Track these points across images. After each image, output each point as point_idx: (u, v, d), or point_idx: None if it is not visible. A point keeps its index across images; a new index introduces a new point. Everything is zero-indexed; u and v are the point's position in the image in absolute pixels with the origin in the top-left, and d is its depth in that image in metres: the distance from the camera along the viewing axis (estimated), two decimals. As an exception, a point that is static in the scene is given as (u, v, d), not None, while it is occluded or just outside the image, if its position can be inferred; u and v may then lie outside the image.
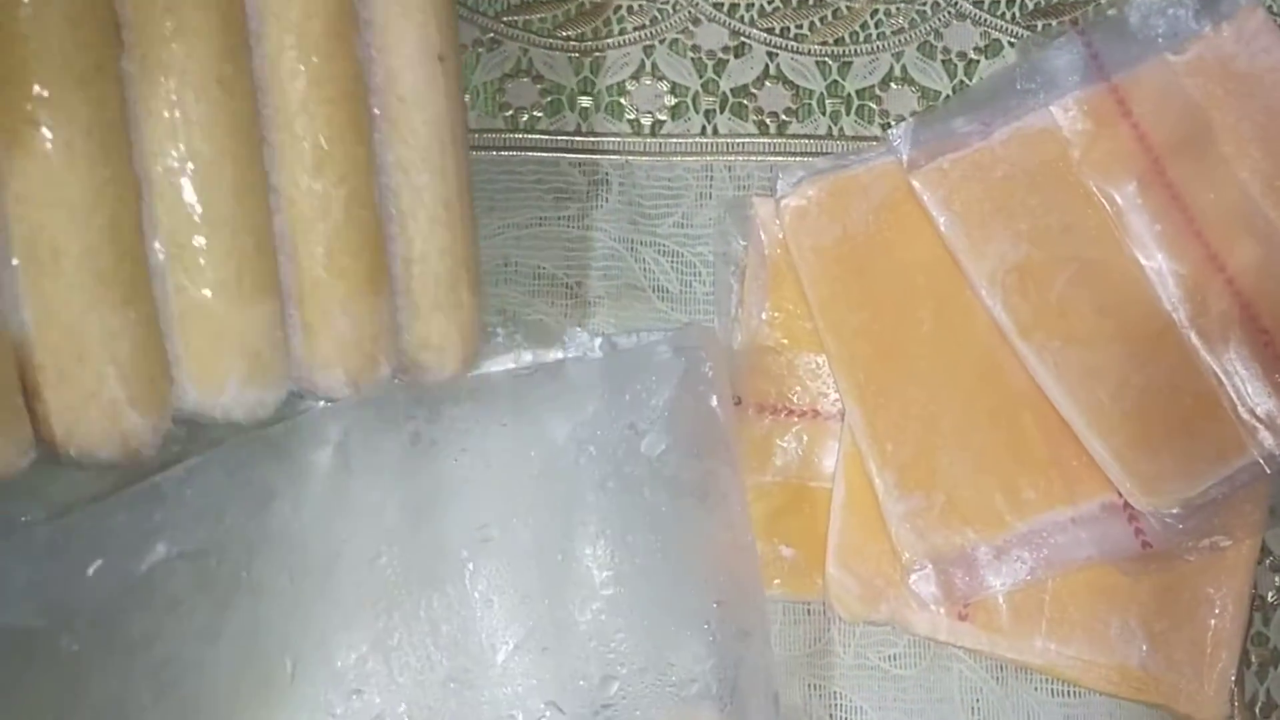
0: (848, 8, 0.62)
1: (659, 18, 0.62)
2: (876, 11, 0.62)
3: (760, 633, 0.51)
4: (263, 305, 0.46)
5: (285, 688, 0.46)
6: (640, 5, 0.62)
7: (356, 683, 0.47)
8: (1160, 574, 0.54)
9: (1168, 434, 0.53)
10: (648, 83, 0.62)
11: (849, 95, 0.61)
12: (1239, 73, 0.56)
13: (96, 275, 0.43)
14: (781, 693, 0.55)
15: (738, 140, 0.61)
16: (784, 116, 0.61)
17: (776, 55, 0.62)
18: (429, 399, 0.51)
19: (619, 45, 0.62)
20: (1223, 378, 0.54)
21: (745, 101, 0.61)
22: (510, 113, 0.61)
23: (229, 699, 0.46)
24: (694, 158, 0.61)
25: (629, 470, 0.50)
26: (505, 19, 0.62)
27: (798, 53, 0.62)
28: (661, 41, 0.62)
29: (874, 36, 0.62)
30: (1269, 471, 0.53)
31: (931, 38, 0.62)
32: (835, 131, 0.61)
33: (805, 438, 0.57)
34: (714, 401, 0.52)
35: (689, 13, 0.62)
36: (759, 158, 0.61)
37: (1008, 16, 0.62)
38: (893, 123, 0.61)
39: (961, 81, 0.62)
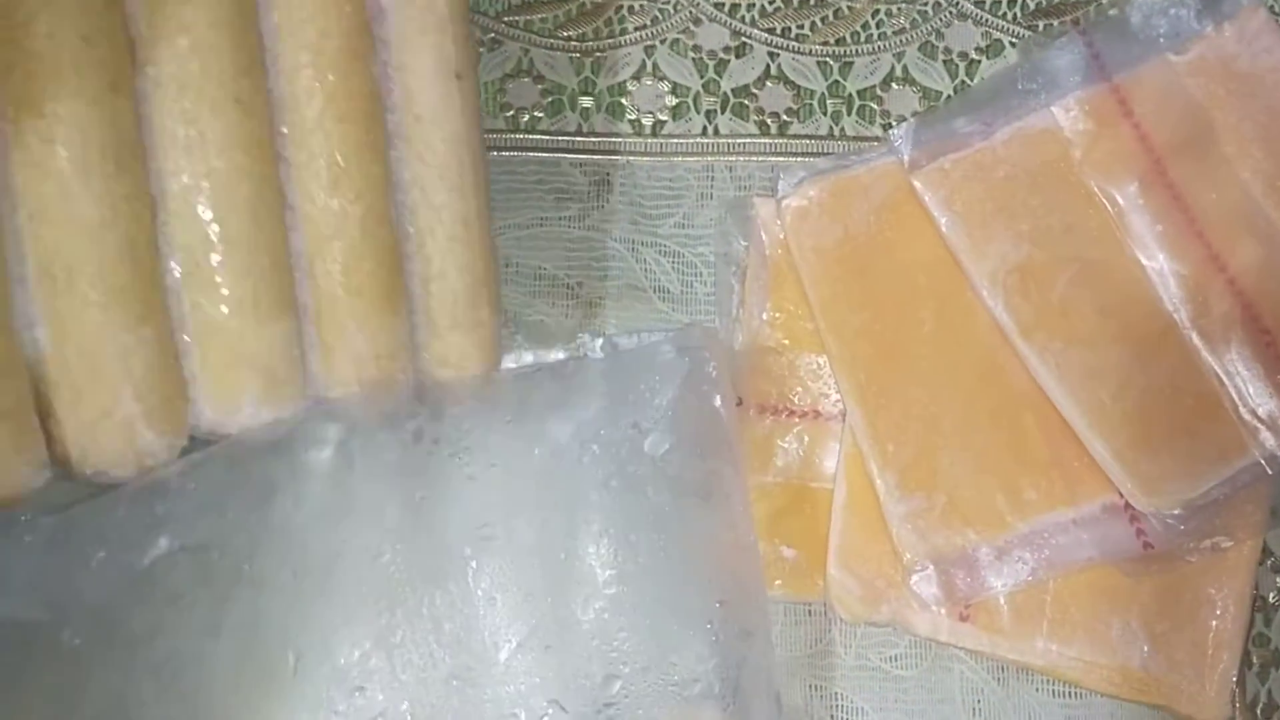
0: (849, 8, 0.62)
1: (660, 18, 0.62)
2: (878, 12, 0.62)
3: (762, 633, 0.51)
4: (279, 323, 0.47)
5: (287, 683, 0.46)
6: (641, 5, 0.62)
7: (359, 680, 0.46)
8: (1161, 575, 0.54)
9: (1169, 435, 0.53)
10: (649, 83, 0.62)
11: (850, 95, 0.62)
12: (1241, 73, 0.56)
13: (111, 293, 0.43)
14: (783, 693, 0.54)
15: (739, 140, 0.61)
16: (785, 117, 0.61)
17: (778, 55, 0.62)
18: (431, 397, 0.51)
19: (620, 45, 0.62)
20: (1224, 378, 0.54)
21: (746, 102, 0.61)
22: (511, 113, 0.61)
23: (231, 693, 0.45)
24: (695, 158, 0.61)
25: (632, 470, 0.50)
26: (506, 19, 0.62)
27: (799, 53, 0.62)
28: (662, 42, 0.62)
29: (875, 37, 0.62)
30: (1270, 472, 0.53)
31: (933, 38, 0.62)
32: (836, 132, 0.61)
33: (806, 438, 0.57)
34: (717, 402, 0.52)
35: (690, 13, 0.62)
36: (760, 158, 0.61)
37: (1009, 16, 0.62)
38: (894, 123, 0.61)
39: (963, 82, 0.62)
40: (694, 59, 0.62)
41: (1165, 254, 0.55)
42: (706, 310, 0.60)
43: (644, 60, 0.62)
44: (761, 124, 0.61)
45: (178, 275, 0.45)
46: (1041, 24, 0.62)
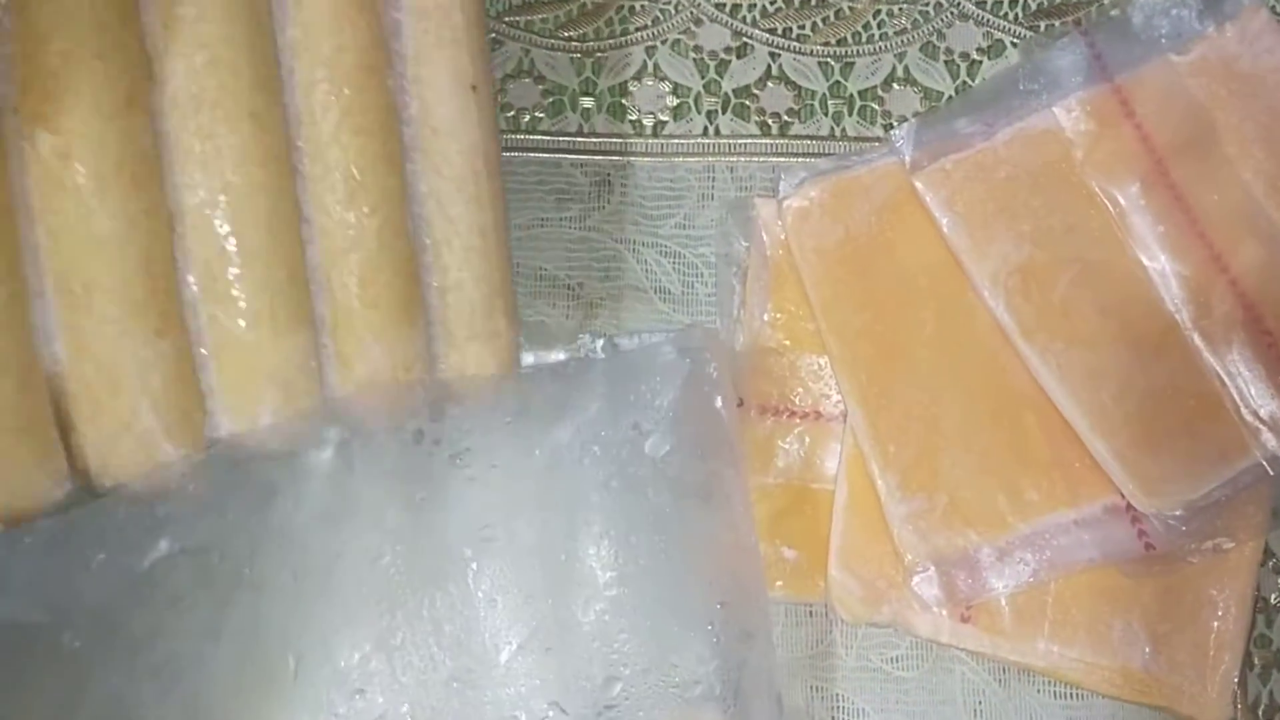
0: (850, 8, 0.62)
1: (661, 18, 0.62)
2: (879, 12, 0.62)
3: (763, 634, 0.51)
4: (296, 336, 0.47)
5: (288, 686, 0.46)
6: (642, 6, 0.62)
7: (359, 682, 0.46)
8: (1163, 576, 0.54)
9: (1170, 435, 0.53)
10: (650, 83, 0.62)
11: (851, 96, 0.61)
12: (1242, 73, 0.56)
13: (129, 308, 0.43)
14: (784, 695, 0.54)
15: (740, 141, 0.61)
16: (786, 117, 0.61)
17: (779, 56, 0.62)
18: (432, 398, 0.51)
19: (621, 46, 0.62)
20: (1226, 379, 0.53)
21: (747, 102, 0.61)
22: (512, 113, 0.61)
23: (231, 696, 0.45)
24: (696, 158, 0.61)
25: (633, 471, 0.50)
26: (507, 19, 0.62)
27: (800, 53, 0.62)
28: (663, 42, 0.62)
29: (876, 37, 0.62)
30: (1272, 473, 0.53)
31: (934, 38, 0.62)
32: (837, 132, 0.61)
33: (807, 439, 0.57)
34: (718, 403, 0.52)
35: (691, 13, 0.62)
36: (761, 158, 0.61)
37: (1010, 17, 0.62)
38: (895, 123, 0.61)
39: (964, 82, 0.62)
40: (695, 59, 0.62)
41: (1167, 255, 0.55)
42: (707, 311, 0.60)
43: (645, 61, 0.62)
44: (763, 124, 0.61)
45: (195, 289, 0.46)
46: (1043, 24, 0.62)
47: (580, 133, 0.61)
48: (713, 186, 0.61)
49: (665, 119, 0.61)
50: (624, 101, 0.62)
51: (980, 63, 0.62)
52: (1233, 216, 0.55)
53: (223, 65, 0.45)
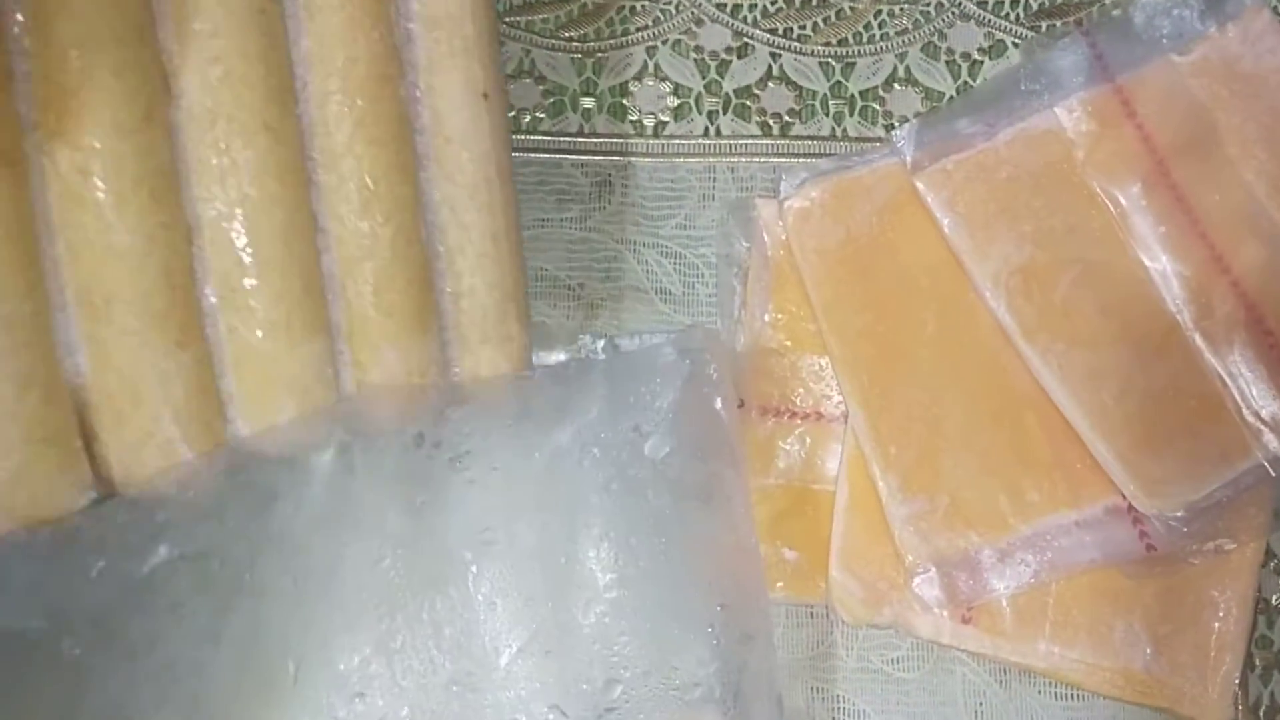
0: (851, 8, 0.62)
1: (662, 18, 0.62)
2: (880, 12, 0.62)
3: (764, 636, 0.51)
4: (312, 344, 0.47)
5: (288, 690, 0.46)
6: (643, 6, 0.62)
7: (359, 686, 0.47)
8: (1164, 577, 0.54)
9: (1172, 436, 0.53)
10: (650, 84, 0.62)
11: (852, 96, 0.61)
12: (1244, 74, 0.56)
13: (150, 320, 0.44)
14: (785, 696, 0.54)
15: (741, 141, 0.61)
16: (787, 117, 0.61)
17: (780, 56, 0.62)
18: (432, 402, 0.51)
19: (622, 46, 0.62)
20: (1227, 380, 0.53)
21: (748, 102, 0.61)
22: (513, 114, 0.61)
23: (231, 701, 0.46)
24: (697, 159, 0.61)
25: (633, 473, 0.50)
26: (507, 20, 0.61)
27: (801, 53, 0.62)
28: (664, 42, 0.62)
29: (877, 37, 0.62)
30: (1274, 474, 0.53)
31: (935, 38, 0.62)
32: (839, 133, 0.61)
33: (808, 440, 0.57)
34: (718, 404, 0.52)
35: (692, 13, 0.62)
36: (762, 159, 0.61)
37: (1012, 17, 0.62)
38: (896, 124, 0.61)
39: (965, 82, 0.61)
40: (696, 60, 0.62)
41: (1168, 255, 0.55)
42: (708, 312, 0.60)
43: (646, 61, 0.62)
44: (764, 125, 0.61)
45: (214, 300, 0.46)
46: (1044, 24, 0.62)
47: (581, 133, 0.61)
48: (714, 187, 0.61)
49: (666, 119, 0.61)
50: (625, 102, 0.61)
51: (981, 63, 0.61)
52: (1234, 217, 0.55)
53: (237, 79, 0.45)
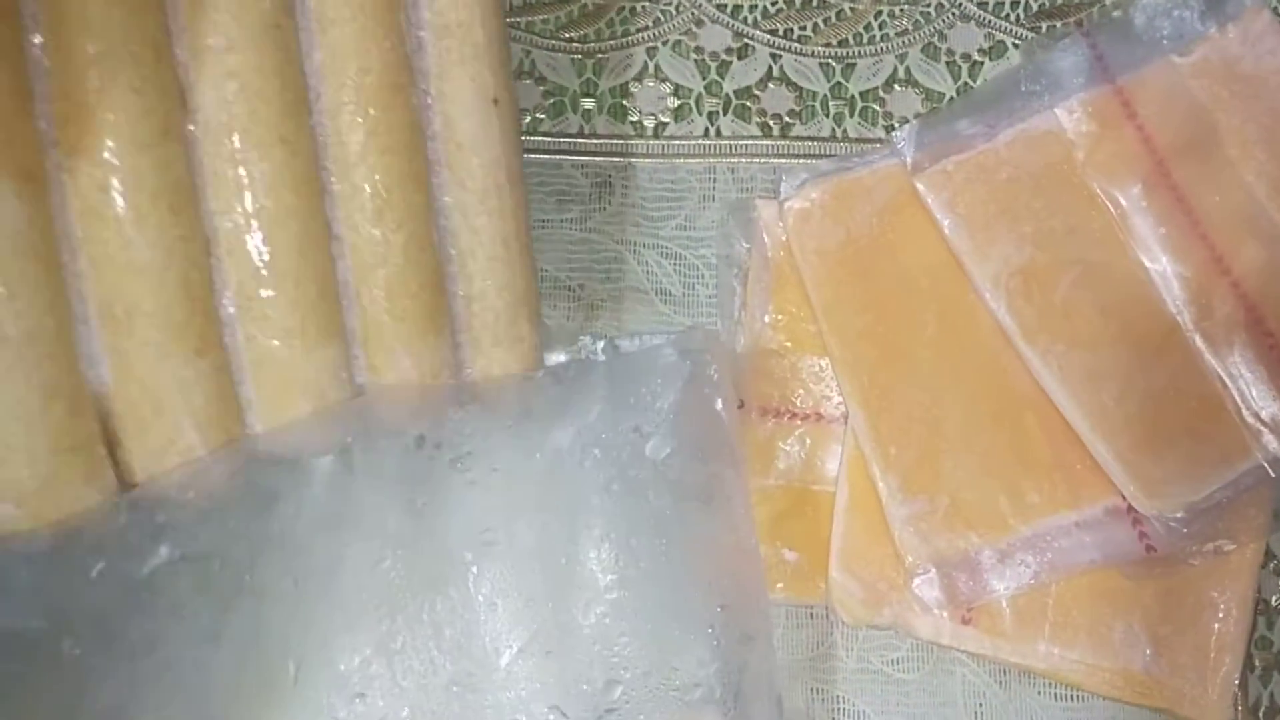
0: (851, 9, 0.62)
1: (662, 19, 0.62)
2: (880, 13, 0.62)
3: (764, 637, 0.51)
4: (327, 349, 0.48)
5: (288, 691, 0.46)
6: (644, 7, 0.62)
7: (360, 686, 0.47)
8: (1164, 578, 0.54)
9: (1172, 437, 0.53)
10: (651, 84, 0.62)
11: (853, 97, 0.61)
12: (1244, 74, 0.56)
13: (170, 331, 0.45)
14: (784, 697, 0.54)
15: (741, 142, 0.61)
16: (787, 118, 0.61)
17: (780, 57, 0.62)
18: (432, 403, 0.51)
19: (622, 47, 0.62)
20: (1227, 381, 0.53)
21: (748, 103, 0.61)
22: (514, 114, 0.61)
23: (231, 702, 0.46)
24: (697, 160, 0.61)
25: (633, 473, 0.50)
26: (508, 20, 0.61)
27: (801, 54, 0.62)
28: (664, 43, 0.62)
29: (878, 38, 0.62)
30: (1273, 475, 0.53)
31: (935, 39, 0.62)
32: (839, 133, 0.61)
33: (808, 441, 0.57)
34: (719, 405, 0.52)
35: (692, 14, 0.62)
36: (762, 160, 0.61)
37: (1012, 18, 0.62)
38: (896, 125, 0.61)
39: (966, 83, 0.61)
40: (696, 60, 0.62)
41: (1168, 256, 0.55)
42: (708, 313, 0.60)
43: (646, 62, 0.62)
44: (764, 125, 0.61)
45: (232, 310, 0.47)
46: (1045, 25, 0.62)
47: (581, 134, 0.61)
48: (714, 188, 0.61)
49: (666, 120, 0.61)
50: (625, 103, 0.61)
51: (982, 64, 0.61)
52: (1234, 218, 0.55)
53: (252, 93, 0.46)
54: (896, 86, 0.61)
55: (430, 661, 0.47)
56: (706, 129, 0.61)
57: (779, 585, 0.56)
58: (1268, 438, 0.53)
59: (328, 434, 0.48)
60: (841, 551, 0.55)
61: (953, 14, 0.62)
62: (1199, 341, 0.54)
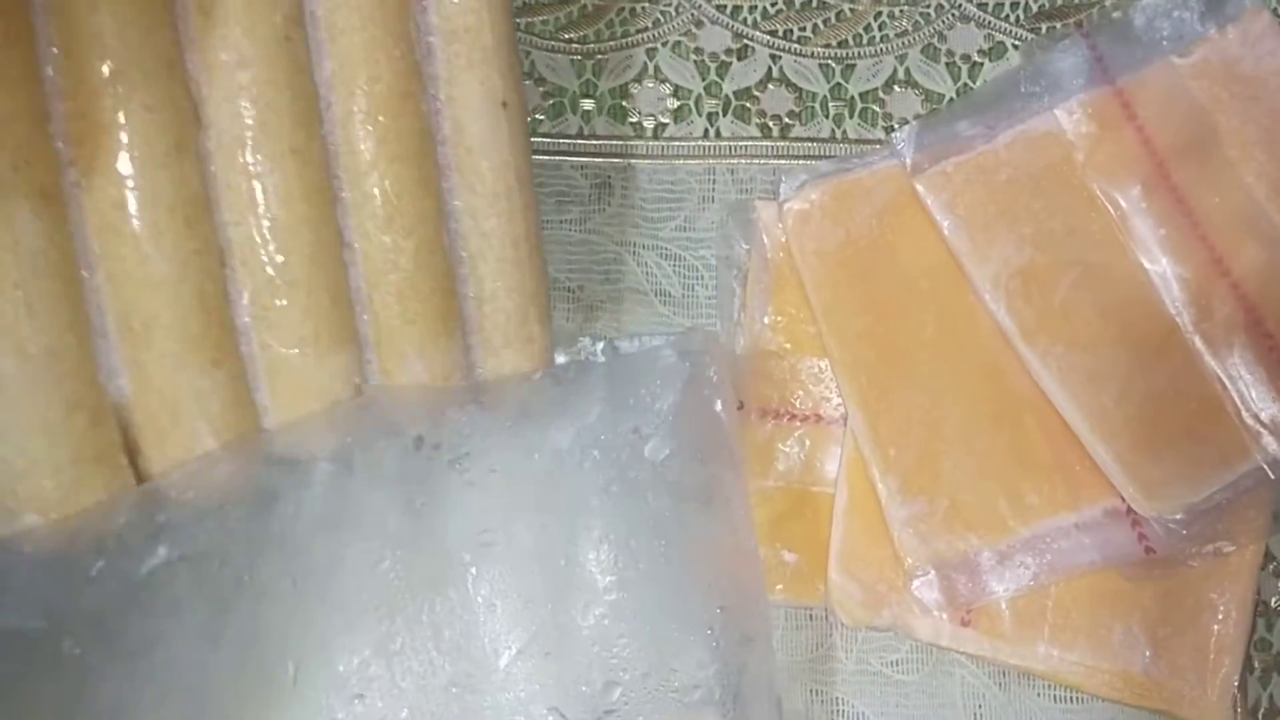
0: (851, 10, 0.62)
1: (661, 20, 0.62)
2: (880, 14, 0.62)
3: (763, 638, 0.51)
4: (340, 356, 0.49)
5: (287, 691, 0.46)
6: (643, 8, 0.62)
7: (358, 687, 0.47)
8: (1163, 579, 0.54)
9: (1171, 439, 0.53)
10: (650, 85, 0.62)
11: (852, 98, 0.61)
12: (1244, 75, 0.56)
13: (187, 343, 0.46)
14: (784, 698, 0.54)
15: (740, 143, 0.61)
16: (787, 119, 0.61)
17: (779, 58, 0.62)
18: (431, 404, 0.51)
19: (621, 48, 0.62)
20: (1227, 382, 0.53)
21: (748, 104, 0.61)
22: (515, 116, 0.61)
23: (230, 703, 0.46)
24: (696, 161, 0.61)
25: (632, 475, 0.50)
26: (508, 21, 0.61)
27: (801, 55, 0.62)
28: (664, 44, 0.62)
29: (877, 39, 0.62)
30: (1273, 476, 0.53)
31: (935, 40, 0.62)
32: (838, 134, 0.61)
33: (808, 442, 0.57)
34: (718, 406, 0.52)
35: (692, 15, 0.62)
36: (762, 161, 0.61)
37: (1012, 19, 0.62)
38: (896, 126, 0.61)
39: (965, 84, 0.61)
40: (696, 61, 0.62)
41: (1168, 257, 0.55)
42: (708, 314, 0.60)
43: (646, 63, 0.62)
44: (763, 126, 0.61)
45: (247, 319, 0.48)
46: (1044, 26, 0.62)
47: (581, 135, 0.61)
48: (713, 189, 0.61)
49: (666, 121, 0.61)
50: (624, 104, 0.61)
51: (981, 65, 0.61)
52: (1234, 219, 0.55)
53: (264, 106, 0.46)
54: (896, 87, 0.61)
55: (429, 662, 0.47)
56: (706, 130, 0.61)
57: (778, 587, 0.56)
58: (1267, 439, 0.53)
59: (328, 435, 0.48)
60: (841, 553, 0.55)
61: (952, 15, 0.62)
62: (1199, 343, 0.54)
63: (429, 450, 0.50)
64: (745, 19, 0.62)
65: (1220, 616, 0.54)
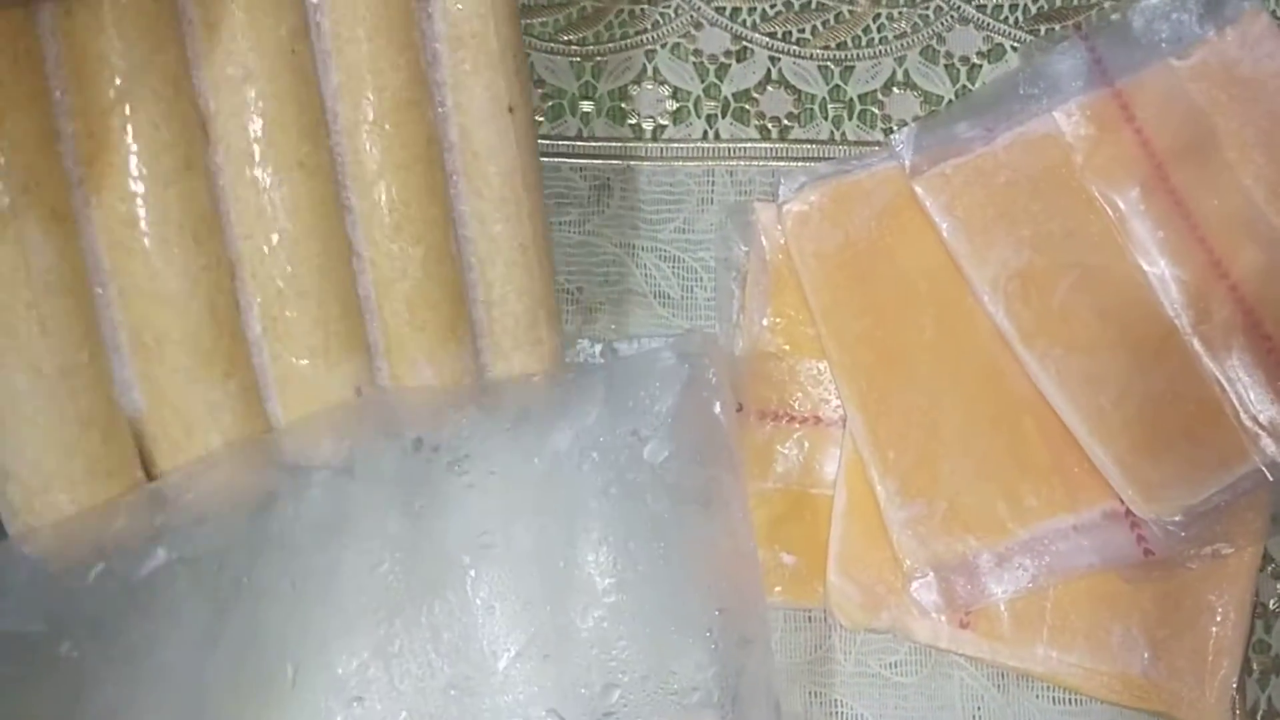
0: (850, 12, 0.62)
1: (661, 22, 0.62)
2: (879, 16, 0.62)
3: (762, 640, 0.51)
4: (350, 364, 0.49)
5: (286, 694, 0.46)
6: (642, 10, 0.62)
7: (357, 690, 0.46)
8: (1162, 581, 0.54)
9: (1170, 441, 0.53)
10: (649, 87, 0.62)
11: (851, 100, 0.61)
12: (1243, 78, 0.56)
13: (198, 357, 0.46)
14: (782, 700, 0.54)
15: (739, 145, 0.61)
16: (786, 121, 0.61)
17: (779, 60, 0.62)
18: (431, 406, 0.51)
19: (621, 50, 0.62)
20: (1225, 384, 0.53)
21: (747, 106, 0.61)
22: (513, 117, 0.61)
23: (229, 704, 0.45)
24: (695, 163, 0.61)
25: (631, 477, 0.50)
26: (507, 23, 0.61)
27: (800, 57, 0.62)
28: (663, 46, 0.62)
29: (876, 41, 0.62)
30: (1271, 479, 0.53)
31: (934, 42, 0.62)
32: (837, 136, 0.61)
33: (807, 444, 0.57)
34: (717, 408, 0.52)
35: (691, 17, 0.62)
36: (761, 163, 0.61)
37: (1011, 21, 0.62)
38: (895, 128, 0.61)
39: (964, 86, 0.61)
40: (695, 63, 0.62)
41: (1167, 260, 0.55)
42: (707, 316, 0.60)
43: (645, 65, 0.62)
44: (762, 128, 0.61)
45: (258, 331, 0.48)
46: (1043, 28, 0.62)
47: (580, 137, 0.61)
48: (712, 191, 0.61)
49: (665, 123, 0.61)
50: (623, 105, 0.61)
51: (980, 67, 0.62)
52: (1233, 221, 0.55)
53: (271, 120, 0.46)
54: (895, 89, 0.61)
55: (428, 665, 0.47)
56: (705, 132, 0.61)
57: (777, 589, 0.56)
58: (1265, 441, 0.53)
59: (327, 438, 0.48)
60: (840, 555, 0.55)
61: (951, 17, 0.62)
62: (1197, 345, 0.54)
63: (428, 452, 0.50)
64: (744, 21, 0.62)
65: (1219, 618, 0.54)
